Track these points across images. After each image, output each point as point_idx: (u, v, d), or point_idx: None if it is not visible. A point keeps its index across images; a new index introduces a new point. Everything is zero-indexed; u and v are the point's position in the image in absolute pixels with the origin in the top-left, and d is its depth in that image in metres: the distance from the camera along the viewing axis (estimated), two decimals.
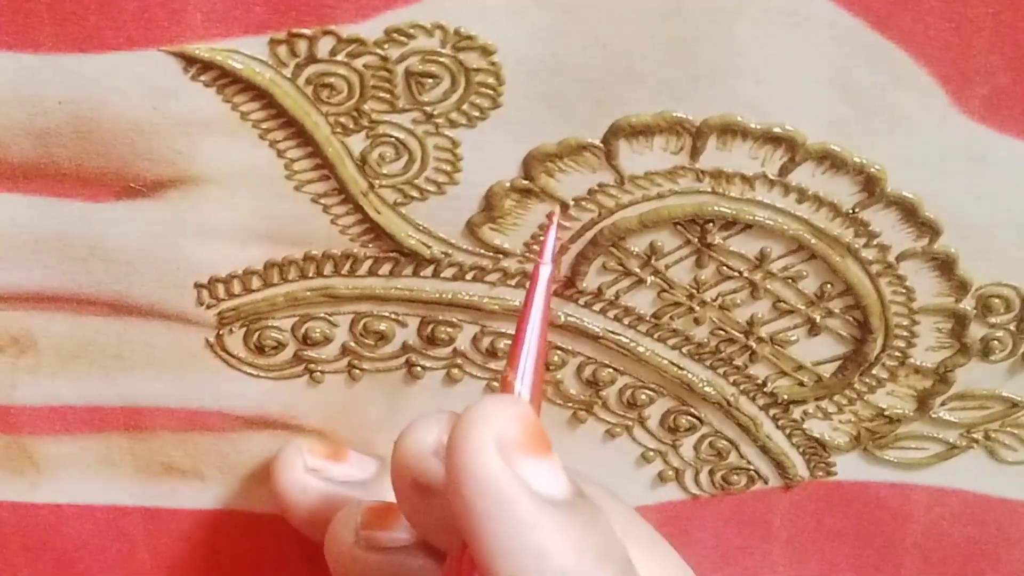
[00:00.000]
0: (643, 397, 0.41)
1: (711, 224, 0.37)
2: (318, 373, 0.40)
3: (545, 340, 0.33)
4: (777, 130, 0.36)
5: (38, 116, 0.34)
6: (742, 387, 0.41)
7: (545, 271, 0.34)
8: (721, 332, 0.40)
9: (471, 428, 0.28)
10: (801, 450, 0.42)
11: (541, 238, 0.36)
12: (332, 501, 0.38)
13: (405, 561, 0.36)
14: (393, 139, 0.36)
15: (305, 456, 0.40)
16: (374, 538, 0.36)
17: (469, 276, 0.38)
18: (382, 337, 0.39)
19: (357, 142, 0.36)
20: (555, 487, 0.28)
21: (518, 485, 0.27)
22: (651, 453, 0.43)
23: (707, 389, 0.41)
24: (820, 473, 0.43)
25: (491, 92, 0.35)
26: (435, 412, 0.32)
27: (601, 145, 0.36)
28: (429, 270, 0.38)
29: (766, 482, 0.43)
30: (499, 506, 0.27)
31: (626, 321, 0.40)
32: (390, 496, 0.34)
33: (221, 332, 0.39)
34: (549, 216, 0.37)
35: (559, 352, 0.40)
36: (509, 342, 0.40)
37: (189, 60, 0.34)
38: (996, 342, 0.40)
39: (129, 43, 0.33)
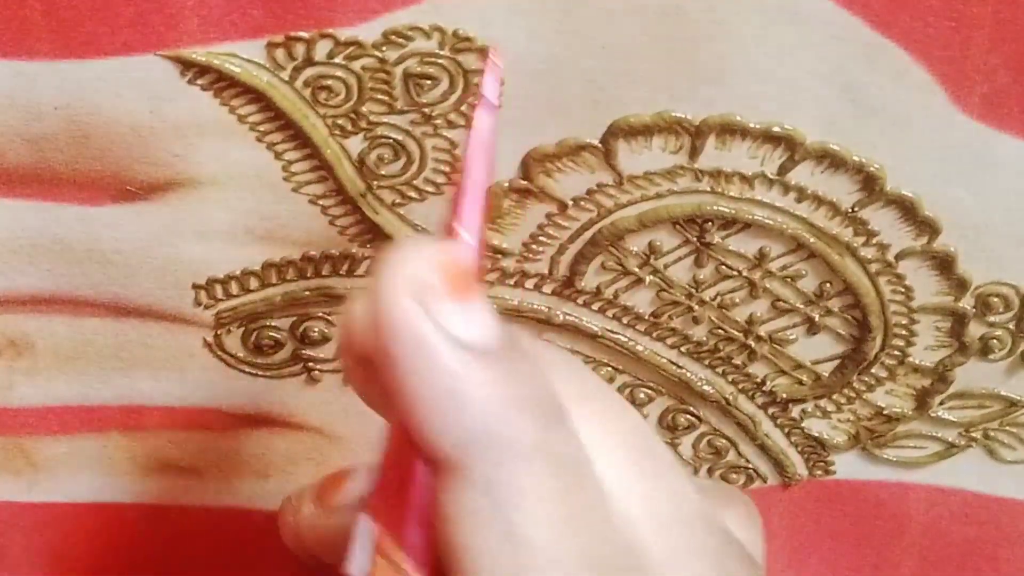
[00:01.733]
0: (642, 396, 0.41)
1: (710, 223, 0.37)
2: (316, 372, 0.40)
3: (490, 189, 0.30)
4: (776, 129, 0.36)
5: (34, 122, 0.34)
6: (741, 386, 0.41)
7: (486, 114, 0.30)
8: (720, 331, 0.40)
9: (389, 275, 0.26)
10: (800, 449, 0.42)
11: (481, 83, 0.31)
12: (341, 529, 0.38)
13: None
14: (391, 140, 0.36)
15: (306, 500, 0.39)
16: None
17: None
18: None
19: (355, 144, 0.36)
20: (476, 333, 0.27)
21: (434, 330, 0.26)
22: None
23: (706, 388, 0.41)
24: (819, 472, 0.43)
25: None
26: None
27: (600, 145, 0.36)
28: None
29: (765, 481, 0.43)
30: (415, 351, 0.26)
31: (625, 320, 0.40)
32: None
33: (219, 332, 0.39)
34: (486, 55, 0.34)
35: None
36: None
37: (186, 64, 0.34)
38: (995, 341, 0.40)
39: (125, 48, 0.33)
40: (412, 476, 0.27)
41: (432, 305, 0.26)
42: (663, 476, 0.30)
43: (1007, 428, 0.42)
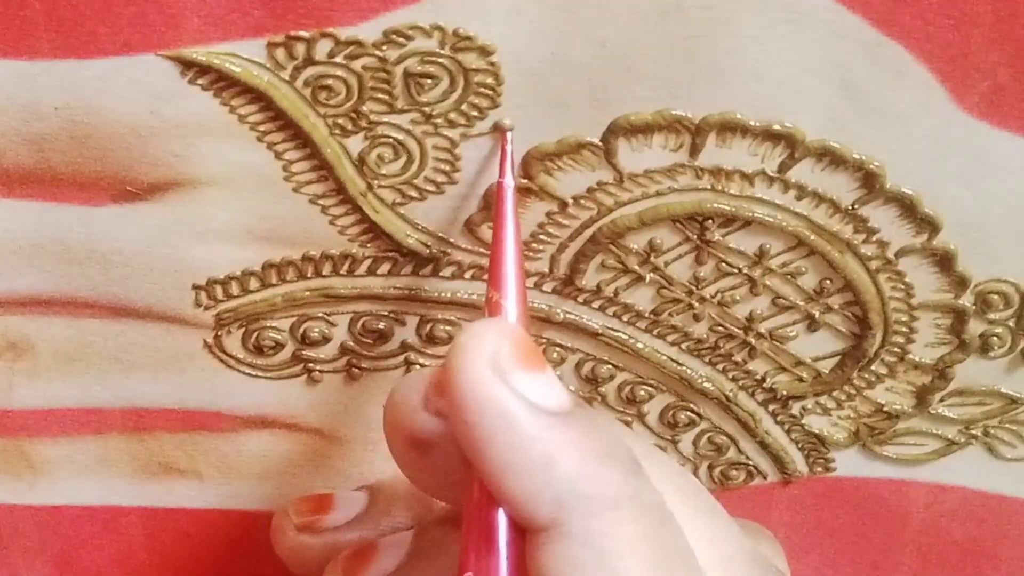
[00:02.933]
0: (642, 393, 0.41)
1: (710, 221, 0.37)
2: (317, 373, 0.40)
3: (522, 256, 0.34)
4: (776, 127, 0.36)
5: (34, 122, 0.34)
6: (741, 383, 0.41)
7: (509, 188, 0.34)
8: (720, 328, 0.40)
9: (465, 353, 0.28)
10: (800, 446, 0.42)
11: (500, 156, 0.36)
12: (333, 549, 0.39)
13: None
14: (392, 140, 0.35)
15: (292, 518, 0.40)
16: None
17: (468, 275, 0.38)
18: (381, 336, 0.39)
19: (355, 143, 0.35)
20: (553, 398, 0.29)
21: (516, 400, 0.28)
22: None
23: (706, 385, 0.41)
24: (819, 469, 0.43)
25: (490, 92, 0.35)
26: (414, 372, 0.33)
27: (600, 143, 0.36)
28: (428, 269, 0.38)
29: (765, 477, 0.43)
30: (500, 423, 0.27)
31: (625, 318, 0.40)
32: (386, 524, 0.35)
33: (219, 333, 0.39)
34: (502, 133, 0.35)
35: (558, 349, 0.40)
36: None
37: (186, 64, 0.34)
38: (995, 338, 0.40)
39: (126, 48, 0.33)
40: (499, 537, 0.28)
41: (510, 377, 0.28)
42: (719, 520, 0.33)
43: (1007, 425, 0.42)
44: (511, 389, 0.28)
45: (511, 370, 0.28)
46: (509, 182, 0.34)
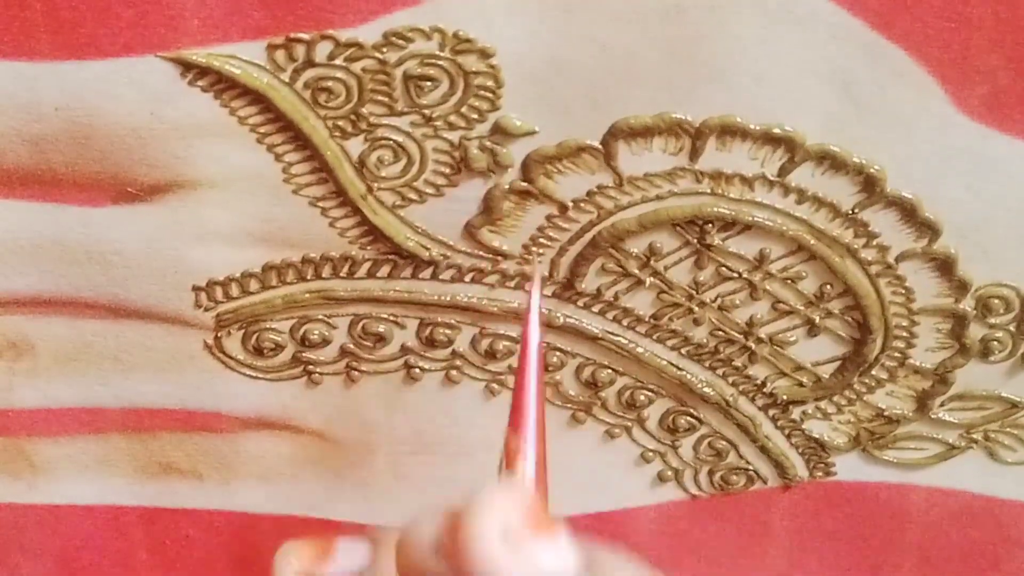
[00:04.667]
0: (642, 398, 0.41)
1: (710, 225, 0.37)
2: (317, 375, 0.40)
3: (544, 402, 0.34)
4: (776, 131, 0.35)
5: (34, 123, 0.34)
6: (741, 387, 0.41)
7: (535, 337, 0.33)
8: (720, 333, 0.40)
9: (476, 521, 0.29)
10: (800, 450, 0.42)
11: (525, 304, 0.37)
12: None
13: None
14: (392, 142, 0.36)
15: (294, 563, 0.40)
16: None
17: (468, 278, 0.38)
18: (381, 339, 0.39)
19: (355, 145, 0.36)
20: (564, 563, 0.29)
21: (525, 569, 0.28)
22: (650, 453, 0.42)
23: (706, 390, 0.41)
24: (819, 473, 0.43)
25: (490, 95, 0.35)
26: (426, 511, 0.33)
27: (600, 147, 0.36)
28: (428, 272, 0.38)
29: (765, 482, 0.43)
30: None
31: (625, 322, 0.40)
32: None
33: (219, 334, 0.39)
34: (528, 282, 0.37)
35: (558, 353, 0.40)
36: (507, 343, 0.40)
37: (186, 66, 0.34)
38: (996, 343, 0.40)
39: (126, 50, 0.33)
40: None
41: (521, 546, 0.28)
42: None
43: (1007, 430, 0.42)
44: (523, 559, 0.28)
45: (522, 540, 0.29)
46: (535, 333, 0.33)
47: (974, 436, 0.42)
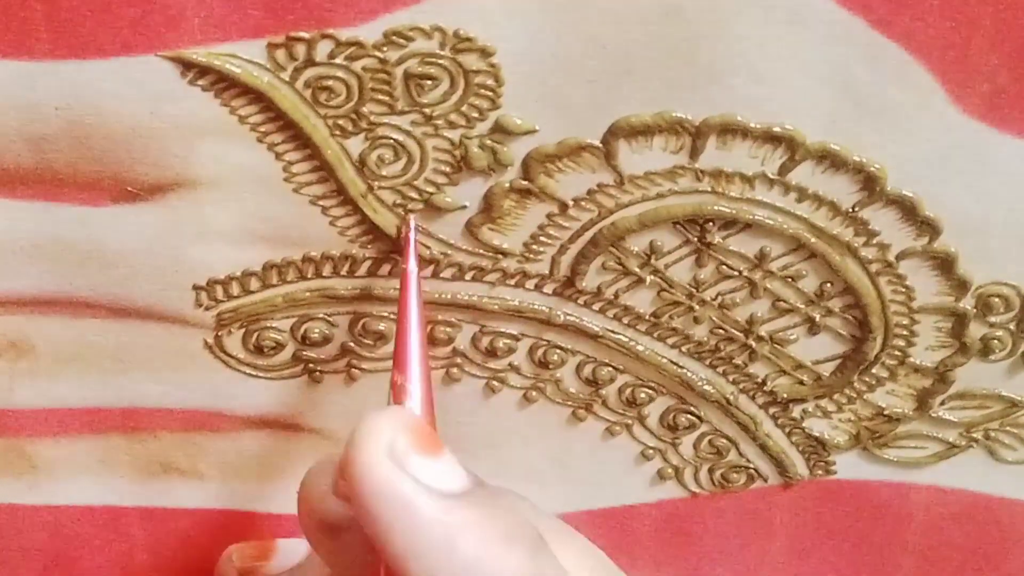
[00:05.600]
0: (642, 395, 0.41)
1: (711, 223, 0.37)
2: (317, 373, 0.40)
3: (426, 339, 0.35)
4: (777, 129, 0.36)
5: (35, 122, 0.34)
6: (741, 386, 0.41)
7: (413, 274, 0.36)
8: (720, 331, 0.40)
9: (363, 444, 0.29)
10: (800, 449, 0.42)
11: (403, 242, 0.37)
12: None
13: None
14: (392, 141, 0.36)
15: (236, 563, 0.41)
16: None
17: (468, 276, 0.38)
18: (381, 337, 0.39)
19: (356, 144, 0.36)
20: (451, 482, 0.30)
21: (414, 486, 0.29)
22: (651, 451, 0.43)
23: (706, 388, 0.41)
24: (819, 472, 0.43)
25: (490, 93, 0.35)
26: (324, 457, 0.34)
27: (600, 145, 0.36)
28: (428, 270, 0.38)
29: (765, 480, 0.43)
30: (400, 509, 0.28)
31: (625, 320, 0.40)
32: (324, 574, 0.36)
33: (220, 333, 0.39)
34: (405, 221, 0.37)
35: (558, 351, 0.40)
36: (508, 341, 0.40)
37: (187, 65, 0.34)
38: (996, 341, 0.40)
39: (126, 49, 0.33)
40: None
41: (408, 464, 0.29)
42: None
43: (1008, 428, 0.42)
44: (409, 475, 0.29)
45: (408, 457, 0.29)
46: (413, 268, 0.36)
47: (974, 435, 0.42)
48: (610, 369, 0.41)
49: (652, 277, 0.38)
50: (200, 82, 0.34)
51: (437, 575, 0.28)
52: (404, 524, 0.28)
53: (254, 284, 0.38)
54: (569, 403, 0.41)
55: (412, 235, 0.37)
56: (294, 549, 0.42)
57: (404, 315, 0.35)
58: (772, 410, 0.41)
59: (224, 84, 0.34)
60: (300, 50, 0.34)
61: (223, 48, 0.34)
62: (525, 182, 0.36)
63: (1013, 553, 0.45)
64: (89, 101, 0.34)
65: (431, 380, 0.35)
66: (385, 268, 0.38)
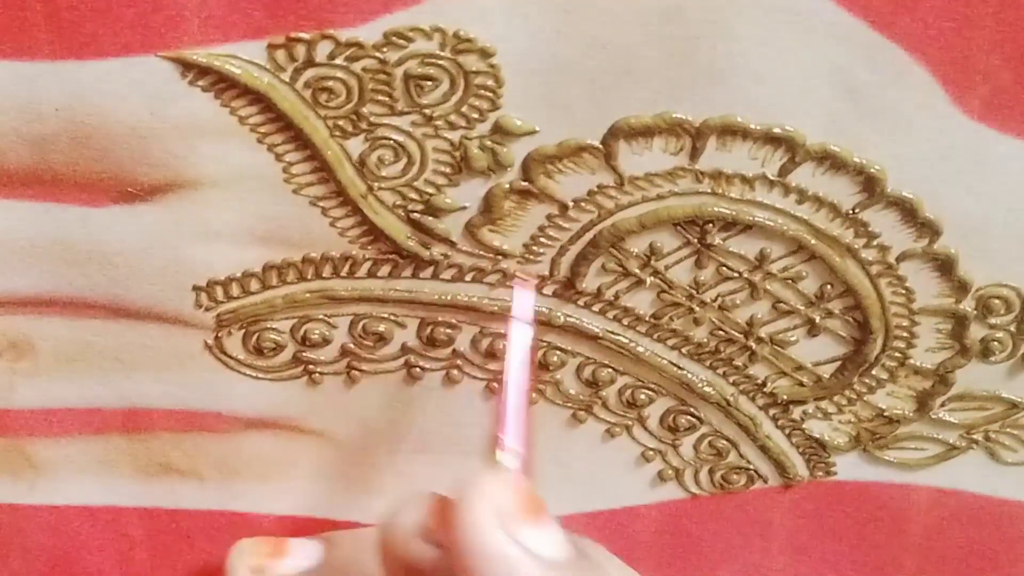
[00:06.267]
0: (643, 397, 0.41)
1: (711, 225, 0.37)
2: (317, 374, 0.40)
3: (529, 397, 0.36)
4: (777, 130, 0.35)
5: (35, 122, 0.34)
6: (742, 387, 0.41)
7: (521, 333, 0.36)
8: (721, 332, 0.40)
9: (472, 506, 0.30)
10: (801, 450, 0.42)
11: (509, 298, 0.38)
12: None
13: None
14: (392, 142, 0.36)
15: (247, 559, 0.41)
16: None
17: (468, 277, 0.38)
18: (381, 338, 0.39)
19: (356, 145, 0.36)
20: (555, 549, 0.30)
21: (522, 552, 0.29)
22: (651, 452, 0.42)
23: (707, 389, 0.41)
24: (820, 473, 0.43)
25: (490, 94, 0.35)
26: (411, 497, 0.34)
27: (601, 146, 0.36)
28: (428, 271, 0.38)
29: (766, 481, 0.43)
30: (505, 572, 0.29)
31: (625, 321, 0.40)
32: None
33: (220, 334, 0.39)
34: (516, 278, 0.37)
35: (559, 352, 0.40)
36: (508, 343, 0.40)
37: (187, 65, 0.34)
38: (996, 343, 0.40)
39: (126, 49, 0.33)
40: None
41: (515, 530, 0.30)
42: None
43: (1008, 430, 0.42)
44: (517, 542, 0.30)
45: (516, 523, 0.30)
46: (526, 319, 0.36)
47: (974, 436, 0.42)
48: (610, 370, 0.41)
49: (652, 278, 0.38)
50: (200, 83, 0.34)
51: None
52: None
53: (254, 285, 0.38)
54: (569, 404, 0.41)
55: (526, 291, 0.37)
56: (308, 548, 0.42)
57: (512, 371, 0.35)
58: (772, 411, 0.41)
59: (224, 85, 0.34)
60: (300, 51, 0.34)
61: (223, 49, 0.34)
62: (525, 183, 0.36)
63: (1014, 554, 0.45)
64: (89, 101, 0.34)
65: (531, 442, 0.35)
66: (385, 269, 0.38)
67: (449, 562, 0.30)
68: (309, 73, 0.34)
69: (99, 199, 0.36)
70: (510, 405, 0.34)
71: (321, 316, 0.39)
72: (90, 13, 0.33)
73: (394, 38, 0.34)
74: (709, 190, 0.37)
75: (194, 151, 0.35)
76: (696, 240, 0.38)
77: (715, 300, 0.39)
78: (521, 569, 0.29)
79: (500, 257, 0.38)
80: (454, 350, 0.40)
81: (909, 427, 0.42)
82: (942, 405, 0.41)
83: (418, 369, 0.40)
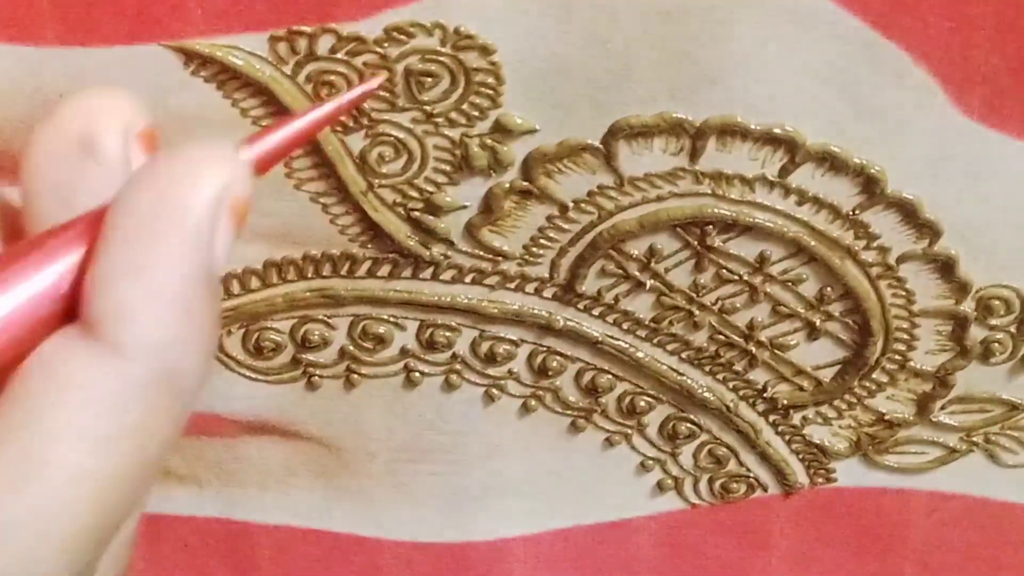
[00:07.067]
0: (642, 404, 0.41)
1: (711, 226, 0.37)
2: (316, 377, 0.40)
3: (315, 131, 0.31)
4: (777, 131, 0.36)
5: (39, 109, 0.34)
6: (741, 393, 0.41)
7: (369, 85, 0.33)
8: (720, 337, 0.40)
9: (199, 159, 0.24)
10: (801, 456, 0.42)
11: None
12: None
13: None
14: (392, 138, 0.36)
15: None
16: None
17: (468, 279, 0.38)
18: (381, 341, 0.39)
19: (356, 141, 0.36)
20: (223, 258, 0.25)
21: (207, 246, 0.24)
22: (650, 462, 0.42)
23: (706, 395, 0.41)
24: (820, 480, 0.43)
25: (491, 92, 0.35)
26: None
27: (601, 146, 0.36)
28: (428, 272, 0.38)
29: (766, 490, 0.43)
30: (182, 246, 0.23)
31: (625, 326, 0.39)
32: None
33: (219, 333, 0.39)
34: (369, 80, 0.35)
35: (558, 358, 0.40)
36: (507, 347, 0.40)
37: (189, 55, 0.34)
38: (996, 344, 0.39)
39: (130, 38, 0.33)
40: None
41: (219, 215, 0.24)
42: None
43: (1008, 432, 0.42)
44: (216, 233, 0.24)
45: (224, 211, 0.24)
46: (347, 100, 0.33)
47: (975, 439, 0.42)
48: (610, 377, 0.40)
49: (652, 281, 0.38)
50: (202, 73, 0.34)
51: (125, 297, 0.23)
52: (172, 247, 0.23)
53: (254, 282, 0.38)
54: (568, 412, 0.41)
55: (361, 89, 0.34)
56: None
57: (325, 108, 0.30)
58: (772, 417, 0.41)
59: (226, 76, 0.34)
60: (302, 44, 0.34)
61: (226, 40, 0.34)
62: (525, 183, 0.36)
63: (1014, 557, 0.44)
64: None
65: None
66: (385, 269, 0.38)
67: (110, 181, 0.25)
68: (310, 67, 0.34)
69: None
70: (292, 126, 0.28)
71: (321, 317, 0.39)
72: (95, 0, 0.33)
73: (395, 33, 0.34)
74: (709, 191, 0.37)
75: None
76: (696, 242, 0.38)
77: (715, 304, 0.39)
78: (197, 252, 0.23)
79: (500, 258, 0.38)
80: (453, 354, 0.40)
81: (909, 431, 0.42)
82: (942, 408, 0.41)
83: (417, 373, 0.40)
